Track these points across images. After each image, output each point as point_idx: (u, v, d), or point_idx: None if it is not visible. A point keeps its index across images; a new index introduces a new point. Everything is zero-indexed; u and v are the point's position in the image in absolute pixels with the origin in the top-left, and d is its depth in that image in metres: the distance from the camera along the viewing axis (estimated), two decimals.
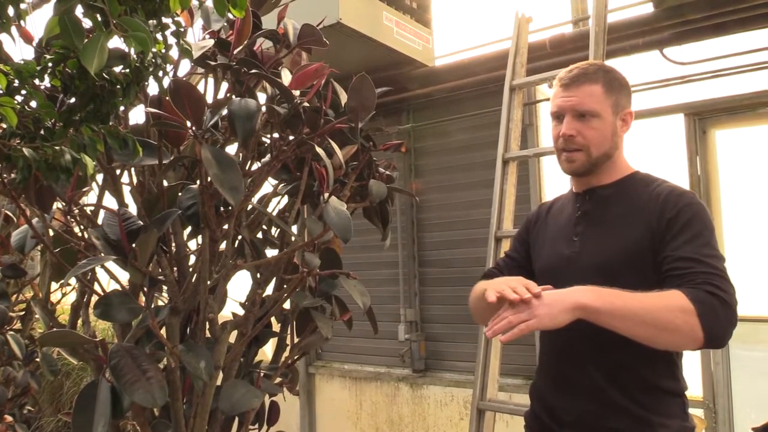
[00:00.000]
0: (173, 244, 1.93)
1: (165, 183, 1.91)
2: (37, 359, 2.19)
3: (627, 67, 3.13)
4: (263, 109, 1.88)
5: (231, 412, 1.73)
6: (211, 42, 1.75)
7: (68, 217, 1.88)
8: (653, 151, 3.08)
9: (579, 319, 1.32)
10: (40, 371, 2.19)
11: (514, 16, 2.85)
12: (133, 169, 1.91)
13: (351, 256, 4.08)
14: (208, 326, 1.88)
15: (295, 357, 2.32)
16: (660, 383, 1.29)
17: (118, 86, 1.41)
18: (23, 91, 1.34)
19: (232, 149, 1.99)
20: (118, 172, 1.89)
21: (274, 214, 2.21)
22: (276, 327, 2.28)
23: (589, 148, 1.37)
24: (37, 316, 2.21)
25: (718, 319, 1.12)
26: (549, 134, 3.41)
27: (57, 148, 1.23)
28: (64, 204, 1.76)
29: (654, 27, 2.88)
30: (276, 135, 1.89)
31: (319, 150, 1.70)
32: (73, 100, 1.38)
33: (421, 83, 3.61)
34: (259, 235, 2.22)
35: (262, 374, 2.28)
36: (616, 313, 1.13)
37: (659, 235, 1.27)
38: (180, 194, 1.88)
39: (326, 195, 1.71)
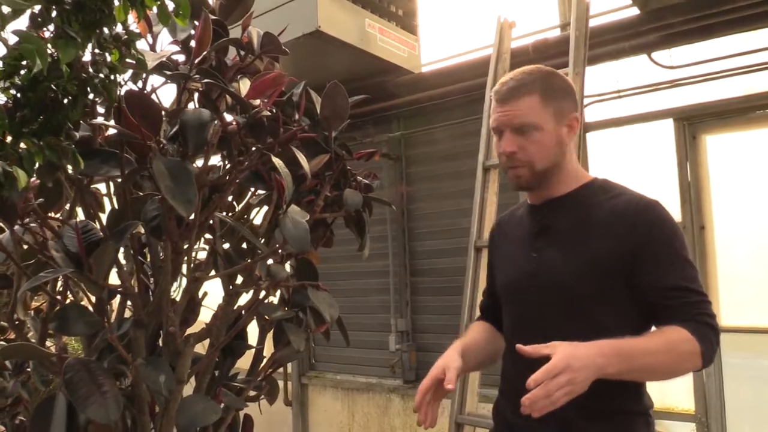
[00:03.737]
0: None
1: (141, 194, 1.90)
2: (29, 369, 2.18)
3: (614, 71, 3.09)
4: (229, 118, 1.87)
5: (188, 428, 1.69)
6: (168, 52, 1.73)
7: (42, 229, 1.87)
8: (642, 158, 3.02)
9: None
10: (32, 381, 2.18)
11: (496, 21, 2.81)
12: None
13: (340, 266, 4.06)
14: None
15: (269, 370, 2.29)
16: (626, 407, 1.25)
17: (67, 98, 1.40)
18: None
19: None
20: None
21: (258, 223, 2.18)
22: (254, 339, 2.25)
23: (533, 163, 1.30)
24: (29, 326, 2.20)
25: (713, 349, 1.17)
26: None
27: None
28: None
29: (639, 30, 2.83)
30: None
31: (275, 160, 1.67)
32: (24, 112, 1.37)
33: (408, 90, 3.58)
34: (245, 245, 2.18)
35: (232, 387, 2.25)
36: (635, 373, 1.16)
37: (628, 253, 1.21)
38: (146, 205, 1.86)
39: (284, 206, 1.68)
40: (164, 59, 1.73)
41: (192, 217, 1.79)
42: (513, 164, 1.32)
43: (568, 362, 1.05)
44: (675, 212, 2.92)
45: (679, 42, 2.86)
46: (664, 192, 2.94)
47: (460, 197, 3.65)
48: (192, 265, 1.93)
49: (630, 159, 3.04)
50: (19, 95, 1.36)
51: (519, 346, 1.11)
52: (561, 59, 2.77)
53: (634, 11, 2.86)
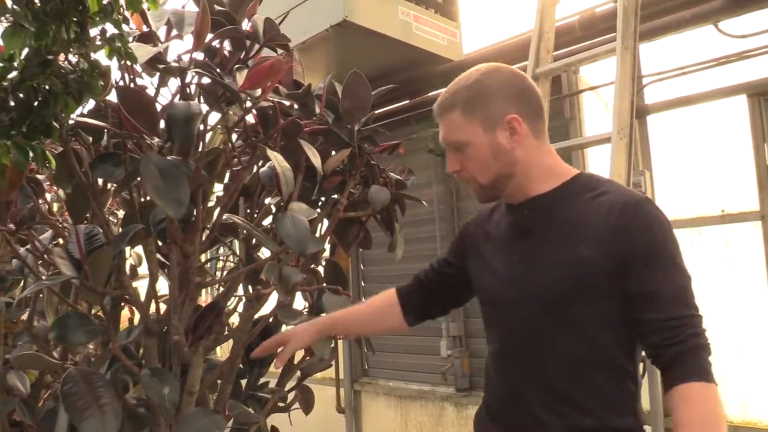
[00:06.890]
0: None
1: None
2: None
3: (676, 45, 2.78)
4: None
5: None
6: (162, 47, 1.64)
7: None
8: (711, 140, 2.70)
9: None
10: None
11: None
12: None
13: (390, 267, 3.92)
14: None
15: (297, 379, 2.20)
16: (614, 423, 1.12)
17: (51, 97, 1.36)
18: None
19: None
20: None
21: None
22: None
23: (475, 178, 1.22)
24: None
25: (711, 368, 1.04)
26: (594, 127, 3.06)
27: None
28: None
29: None
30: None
31: (271, 152, 1.54)
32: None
33: (448, 80, 3.36)
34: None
35: (260, 399, 2.18)
36: None
37: (613, 257, 1.10)
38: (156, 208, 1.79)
39: (283, 203, 1.56)
40: (160, 53, 1.65)
41: (189, 218, 1.71)
42: (464, 181, 1.26)
43: None
44: (752, 200, 2.58)
45: (750, 7, 2.52)
46: (739, 177, 2.61)
47: None
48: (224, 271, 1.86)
49: (698, 142, 2.72)
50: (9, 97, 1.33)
51: None
52: (611, 34, 2.51)
53: None
